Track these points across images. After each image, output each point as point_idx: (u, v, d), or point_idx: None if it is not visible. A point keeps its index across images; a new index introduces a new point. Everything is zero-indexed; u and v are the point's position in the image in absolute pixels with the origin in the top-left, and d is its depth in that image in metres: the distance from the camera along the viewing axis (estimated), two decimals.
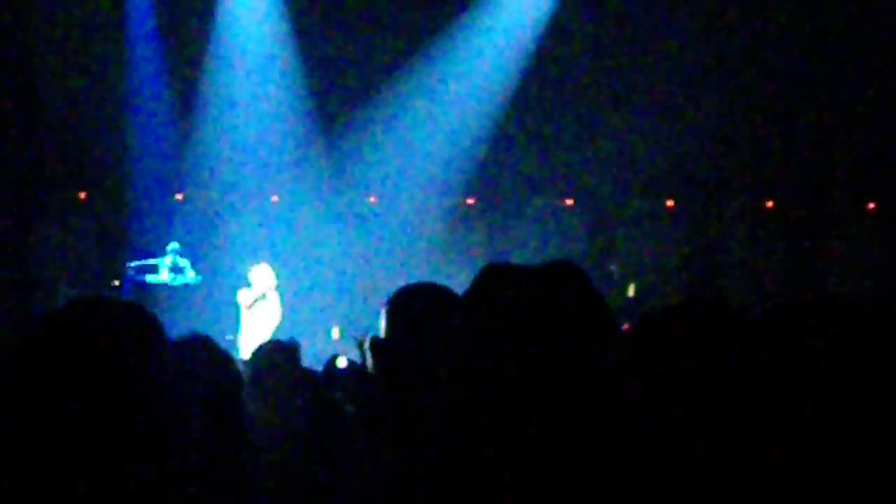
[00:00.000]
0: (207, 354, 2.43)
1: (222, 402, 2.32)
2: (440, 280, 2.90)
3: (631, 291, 14.78)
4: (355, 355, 4.61)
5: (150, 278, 14.08)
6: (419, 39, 15.88)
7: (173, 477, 1.95)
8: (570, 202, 16.88)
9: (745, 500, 1.82)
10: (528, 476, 1.53)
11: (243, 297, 13.48)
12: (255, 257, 14.00)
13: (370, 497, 2.51)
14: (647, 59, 15.78)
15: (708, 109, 15.72)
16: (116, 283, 14.31)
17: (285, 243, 15.72)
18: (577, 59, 16.06)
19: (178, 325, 3.66)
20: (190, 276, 14.21)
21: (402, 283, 2.80)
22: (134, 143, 15.70)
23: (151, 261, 14.21)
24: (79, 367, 1.75)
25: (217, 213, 16.32)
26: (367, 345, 2.62)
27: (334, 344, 13.68)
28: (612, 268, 15.23)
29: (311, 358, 8.77)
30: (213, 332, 3.27)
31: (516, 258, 14.17)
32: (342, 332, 14.44)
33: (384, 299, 2.71)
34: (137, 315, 1.89)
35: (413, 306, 2.58)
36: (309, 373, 4.68)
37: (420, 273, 13.22)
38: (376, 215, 16.52)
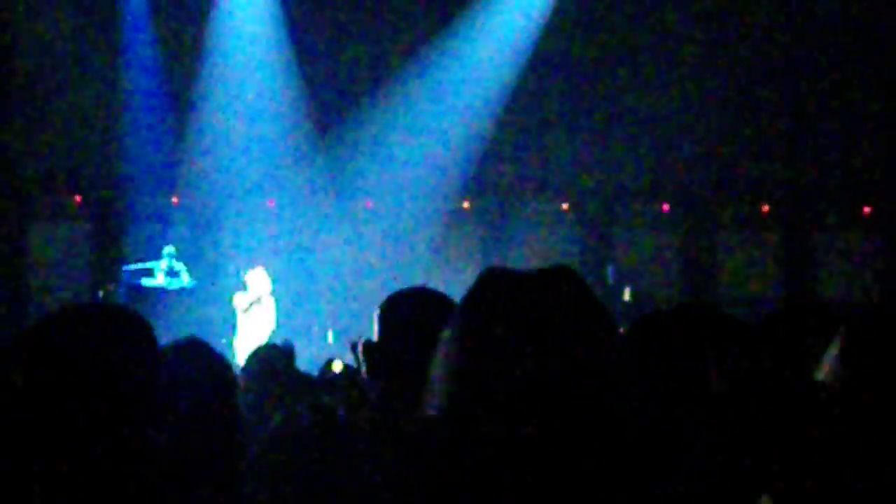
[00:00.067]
0: (202, 358, 2.42)
1: (217, 405, 2.32)
2: (436, 284, 2.90)
3: (627, 296, 14.79)
4: (350, 359, 4.60)
5: (145, 282, 14.07)
6: (415, 44, 15.90)
7: (168, 481, 1.94)
8: (565, 206, 16.89)
9: (745, 499, 1.82)
10: (528, 479, 1.53)
11: (239, 300, 13.49)
12: (251, 261, 14.00)
13: (364, 500, 2.50)
14: (643, 64, 15.81)
15: (704, 115, 15.75)
16: (112, 286, 14.29)
17: (281, 247, 15.72)
18: (572, 65, 16.08)
19: (174, 329, 3.66)
20: (185, 279, 14.20)
21: (397, 286, 2.80)
22: (129, 147, 15.69)
23: (147, 264, 14.20)
24: (69, 371, 1.75)
25: (213, 217, 16.31)
26: (360, 348, 2.62)
27: (330, 348, 13.67)
28: (609, 272, 15.24)
29: (307, 362, 8.78)
30: (209, 335, 3.27)
31: (512, 262, 14.18)
32: (337, 335, 14.43)
33: (379, 303, 2.71)
34: (128, 319, 1.89)
35: (405, 310, 2.58)
36: (304, 376, 4.68)
37: (415, 277, 13.23)
38: (372, 219, 16.52)
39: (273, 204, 16.51)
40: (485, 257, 15.86)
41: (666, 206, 16.71)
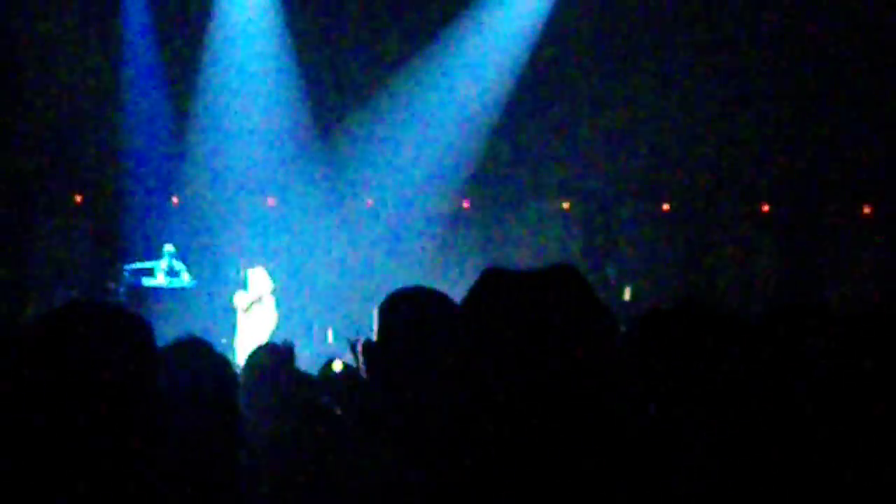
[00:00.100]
0: (203, 357, 2.43)
1: (218, 404, 2.32)
2: (437, 283, 2.90)
3: (627, 295, 14.79)
4: (350, 358, 4.60)
5: (145, 281, 14.07)
6: (415, 43, 15.88)
7: (168, 478, 1.94)
8: (566, 205, 16.89)
9: (745, 499, 1.82)
10: (528, 477, 1.53)
11: (239, 300, 13.49)
12: (251, 260, 14.00)
13: (364, 499, 2.50)
14: (643, 62, 15.80)
15: (704, 113, 15.74)
16: (112, 285, 14.29)
17: (281, 246, 15.71)
18: (572, 63, 16.07)
19: (174, 328, 3.66)
20: (185, 279, 14.20)
21: (398, 285, 2.80)
22: (130, 146, 15.69)
23: (147, 264, 14.20)
24: (67, 370, 1.75)
25: (213, 216, 16.30)
26: (359, 348, 2.62)
27: (330, 347, 13.67)
28: (609, 271, 15.23)
29: (308, 361, 8.77)
30: (209, 335, 3.26)
31: (512, 261, 14.16)
32: (337, 334, 14.43)
33: (379, 302, 2.71)
34: (127, 318, 1.89)
35: (405, 310, 2.58)
36: (304, 376, 4.67)
37: (416, 276, 13.22)
38: (372, 218, 16.51)
39: (273, 203, 16.50)
40: (485, 256, 15.84)
41: (666, 206, 16.70)
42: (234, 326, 13.41)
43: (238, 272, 13.82)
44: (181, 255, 14.38)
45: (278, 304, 13.66)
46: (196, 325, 11.67)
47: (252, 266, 13.74)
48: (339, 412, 3.82)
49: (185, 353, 2.41)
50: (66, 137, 15.47)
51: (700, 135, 15.83)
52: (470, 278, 1.74)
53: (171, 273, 14.16)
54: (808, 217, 16.44)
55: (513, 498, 1.53)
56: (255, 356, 4.48)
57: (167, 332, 2.88)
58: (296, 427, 3.63)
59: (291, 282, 14.81)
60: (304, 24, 15.77)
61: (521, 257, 15.85)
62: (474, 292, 1.67)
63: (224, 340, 12.64)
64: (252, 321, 13.34)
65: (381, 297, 2.71)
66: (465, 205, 16.78)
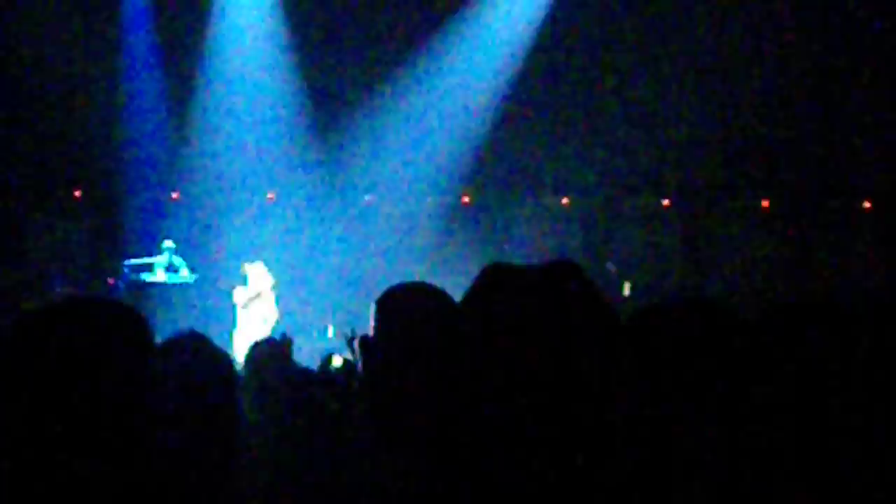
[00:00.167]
0: (202, 353, 2.42)
1: (216, 399, 2.32)
2: (436, 278, 2.90)
3: (626, 291, 14.79)
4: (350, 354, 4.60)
5: (145, 277, 14.07)
6: (414, 40, 15.87)
7: (166, 474, 1.94)
8: (565, 201, 16.89)
9: (745, 498, 1.82)
10: (528, 473, 1.52)
11: (239, 295, 13.49)
12: (251, 256, 14.01)
13: (360, 494, 2.50)
14: (643, 58, 15.79)
15: (704, 109, 15.73)
16: (112, 281, 14.30)
17: (281, 242, 15.72)
18: (572, 59, 16.06)
19: (174, 324, 3.66)
20: (185, 274, 14.20)
21: (398, 281, 2.80)
22: (129, 142, 15.69)
23: (147, 259, 14.20)
24: (62, 365, 1.75)
25: (212, 212, 16.31)
26: (357, 343, 2.62)
27: (330, 342, 13.69)
28: (609, 266, 15.23)
29: (308, 357, 8.78)
30: (209, 330, 3.26)
31: (512, 257, 14.18)
32: (337, 330, 14.45)
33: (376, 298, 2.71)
34: (122, 313, 1.88)
35: (402, 305, 2.58)
36: (303, 371, 4.67)
37: (416, 271, 13.23)
38: (372, 214, 16.52)
39: (273, 199, 16.51)
40: (485, 252, 15.84)
41: (666, 201, 16.70)
42: (233, 322, 13.41)
43: (237, 268, 13.83)
44: (181, 251, 14.38)
45: (278, 300, 13.67)
46: (195, 320, 11.69)
47: (251, 262, 13.75)
48: (336, 407, 3.82)
49: (185, 348, 2.40)
50: (66, 133, 15.47)
51: (700, 130, 15.82)
52: (469, 274, 1.74)
53: (171, 269, 14.17)
54: (809, 213, 16.44)
55: (511, 494, 1.53)
56: (254, 351, 4.49)
57: (166, 327, 2.88)
58: (294, 422, 3.64)
59: (291, 277, 14.82)
60: (304, 21, 15.76)
61: (521, 253, 15.85)
62: (476, 288, 1.67)
63: (224, 336, 12.66)
64: (251, 317, 13.35)
65: (380, 293, 2.71)
66: (465, 201, 16.78)
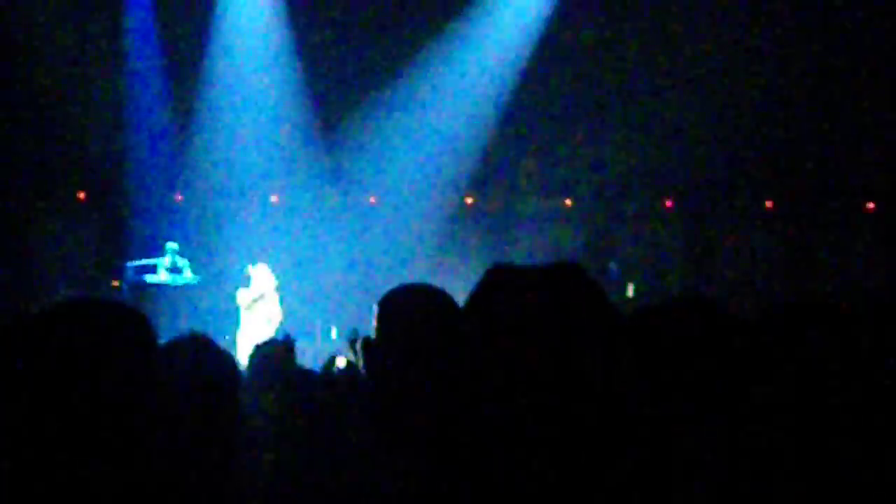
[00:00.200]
0: (206, 354, 2.43)
1: (219, 400, 2.32)
2: (440, 280, 2.90)
3: (630, 292, 14.79)
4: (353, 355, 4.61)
5: (149, 278, 14.07)
6: (418, 41, 15.88)
7: (167, 474, 1.95)
8: (568, 202, 16.88)
9: (745, 498, 1.83)
10: (530, 474, 1.53)
11: (242, 297, 13.50)
12: (254, 257, 14.01)
13: (362, 495, 2.51)
14: (645, 60, 15.79)
15: (706, 110, 15.72)
16: (115, 282, 14.30)
17: (285, 243, 15.72)
18: (575, 61, 16.06)
19: (177, 325, 3.67)
20: (188, 276, 14.21)
21: (401, 282, 2.80)
22: (133, 143, 15.70)
23: (150, 261, 14.20)
24: (65, 366, 1.75)
25: (216, 214, 16.32)
26: (359, 345, 2.63)
27: (334, 344, 13.69)
28: (612, 267, 15.22)
29: (311, 358, 8.79)
30: (212, 332, 3.26)
31: (515, 258, 14.17)
32: (341, 331, 14.45)
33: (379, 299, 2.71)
34: (126, 314, 1.89)
35: (404, 307, 2.58)
36: (306, 372, 4.68)
37: (419, 273, 13.24)
38: (375, 215, 16.52)
39: (276, 200, 16.51)
40: (487, 253, 15.84)
41: (669, 202, 16.69)
42: (237, 323, 13.42)
43: (241, 269, 13.83)
44: (184, 252, 14.39)
45: (282, 302, 13.67)
46: (199, 321, 11.70)
47: (255, 263, 13.75)
48: (339, 409, 3.82)
49: (188, 349, 2.41)
50: (70, 135, 15.48)
51: (703, 131, 15.82)
52: (473, 275, 1.75)
53: (174, 270, 14.17)
54: (812, 214, 16.43)
55: (512, 494, 1.54)
56: (257, 352, 4.49)
57: (170, 328, 2.89)
58: (296, 423, 3.64)
59: (295, 279, 14.82)
60: (307, 22, 15.76)
61: (524, 254, 15.85)
62: (480, 289, 1.67)
63: (227, 337, 12.66)
64: (255, 318, 13.35)
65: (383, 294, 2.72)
66: (469, 201, 16.78)
